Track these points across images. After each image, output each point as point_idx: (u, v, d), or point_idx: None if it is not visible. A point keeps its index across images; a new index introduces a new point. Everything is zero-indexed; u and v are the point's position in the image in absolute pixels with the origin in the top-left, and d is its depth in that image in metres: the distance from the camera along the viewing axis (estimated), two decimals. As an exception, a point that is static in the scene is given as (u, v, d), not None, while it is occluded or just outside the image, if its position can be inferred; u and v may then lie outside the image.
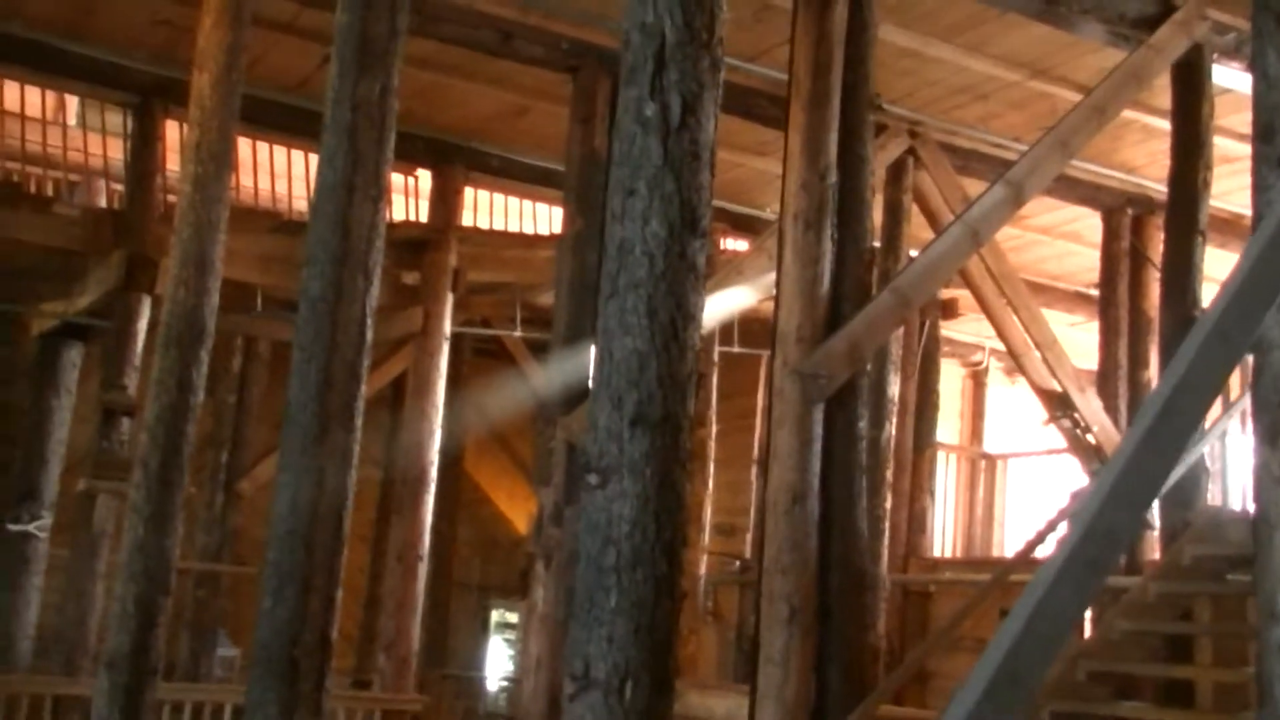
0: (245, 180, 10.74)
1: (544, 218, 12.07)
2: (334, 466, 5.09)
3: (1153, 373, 9.79)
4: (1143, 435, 1.94)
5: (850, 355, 6.18)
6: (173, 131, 9.88)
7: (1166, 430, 1.95)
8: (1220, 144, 7.75)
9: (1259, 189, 4.23)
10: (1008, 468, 12.79)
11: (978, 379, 14.44)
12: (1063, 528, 6.87)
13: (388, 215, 5.50)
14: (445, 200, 10.38)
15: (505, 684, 15.19)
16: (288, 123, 9.71)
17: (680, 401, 3.22)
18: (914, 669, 6.58)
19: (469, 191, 10.96)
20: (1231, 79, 7.60)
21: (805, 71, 6.32)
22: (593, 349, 7.80)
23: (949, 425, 12.94)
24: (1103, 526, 1.86)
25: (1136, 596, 6.56)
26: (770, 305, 9.42)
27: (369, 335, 5.22)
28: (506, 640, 15.97)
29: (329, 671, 5.00)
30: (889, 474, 8.89)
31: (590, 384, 7.76)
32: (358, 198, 5.19)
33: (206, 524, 12.16)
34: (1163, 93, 7.67)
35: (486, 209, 11.90)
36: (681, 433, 3.21)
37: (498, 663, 15.86)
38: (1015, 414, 14.33)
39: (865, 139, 6.43)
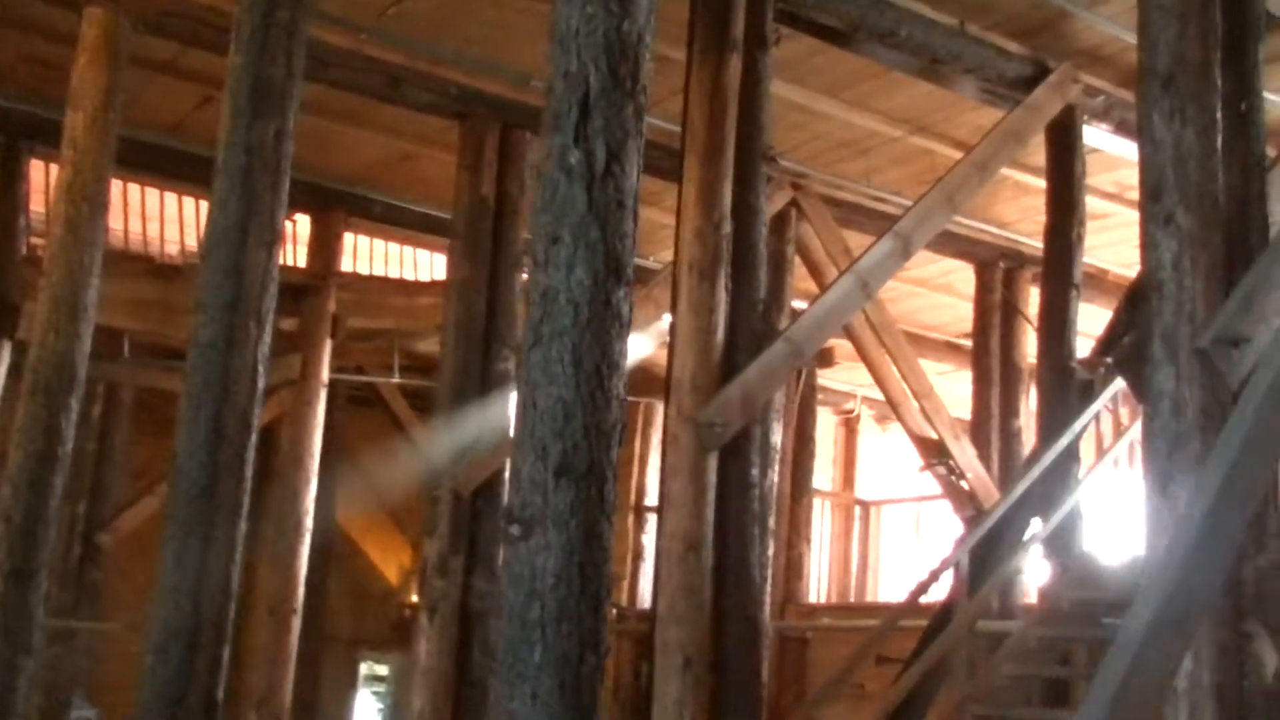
0: (115, 223, 10.37)
1: (425, 264, 11.92)
2: (223, 519, 4.91)
3: (1023, 421, 10.08)
4: (1215, 496, 1.93)
5: (745, 404, 6.21)
6: (37, 172, 9.52)
7: (1237, 487, 1.95)
8: (1088, 202, 8.05)
9: (1148, 246, 4.38)
10: (881, 514, 12.99)
11: (850, 426, 14.68)
12: (947, 576, 6.99)
13: (273, 260, 5.36)
14: (325, 245, 10.20)
15: (375, 740, 14.81)
16: (161, 165, 9.45)
17: (606, 451, 3.18)
18: (809, 716, 6.59)
19: (349, 237, 10.78)
20: (1099, 140, 7.93)
21: (700, 123, 6.38)
22: (489, 399, 7.71)
23: (823, 472, 13.10)
24: (1184, 589, 1.85)
25: (1019, 641, 6.69)
26: (650, 354, 9.54)
27: (261, 384, 5.06)
28: (375, 693, 15.58)
29: (215, 733, 4.79)
30: (771, 520, 8.96)
31: (478, 432, 7.65)
32: (251, 242, 5.05)
33: (62, 578, 11.61)
34: (1036, 152, 7.95)
35: (366, 255, 11.70)
36: (607, 483, 3.17)
37: (367, 717, 15.45)
38: (887, 461, 14.61)
39: (759, 190, 6.51)
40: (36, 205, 9.46)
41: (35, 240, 9.66)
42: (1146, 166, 4.42)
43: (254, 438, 5.07)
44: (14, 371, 8.48)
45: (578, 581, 3.11)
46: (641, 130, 3.43)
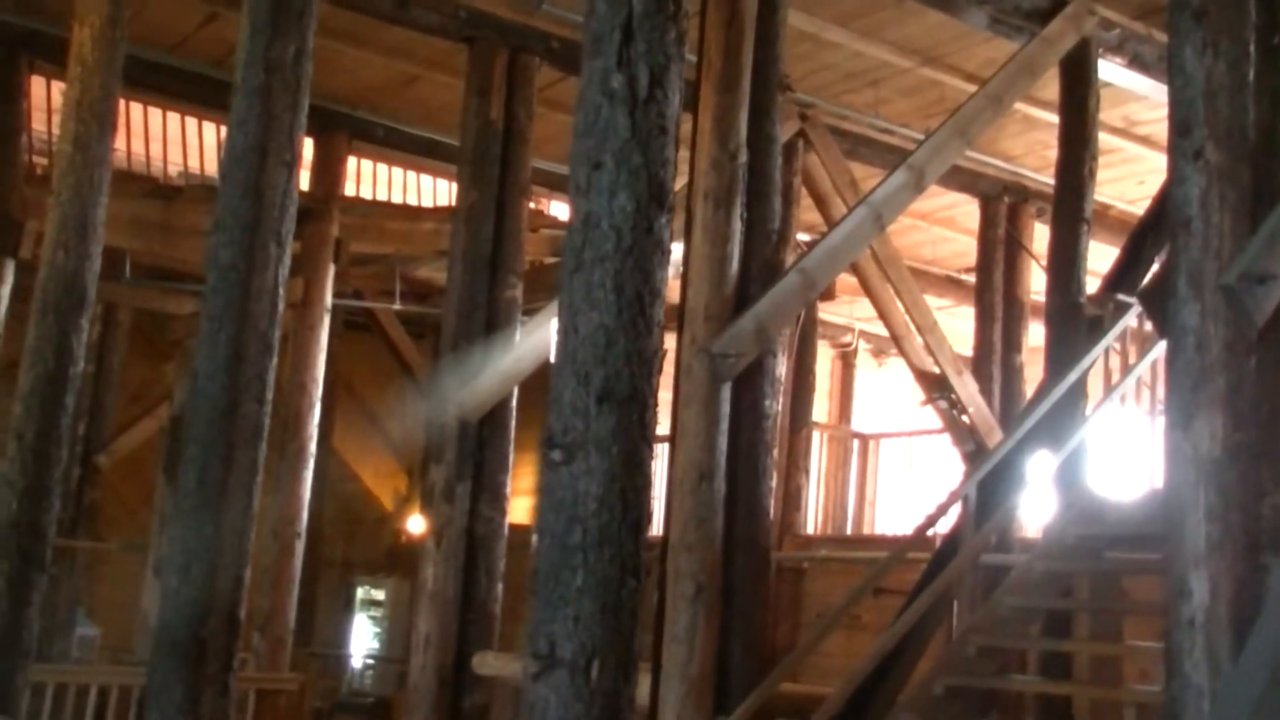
0: (116, 143, 10.28)
1: (428, 190, 11.85)
2: (243, 441, 4.92)
3: (1024, 357, 10.12)
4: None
5: (758, 335, 6.22)
6: (37, 88, 9.39)
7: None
8: (1101, 138, 8.01)
9: (1175, 181, 4.37)
10: (879, 447, 13.07)
11: (846, 361, 14.72)
12: (954, 510, 7.05)
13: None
14: (328, 169, 10.12)
15: (370, 662, 14.95)
16: (163, 84, 9.33)
17: (646, 378, 3.19)
18: (812, 646, 6.66)
19: (352, 161, 10.69)
20: (1111, 74, 7.88)
21: (716, 52, 6.32)
22: (496, 326, 7.67)
23: (819, 405, 13.16)
24: None
25: (1023, 574, 6.76)
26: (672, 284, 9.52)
27: (281, 305, 5.05)
28: (371, 618, 15.71)
29: (236, 651, 4.83)
30: (775, 452, 9.02)
31: (486, 361, 7.63)
32: (270, 162, 5.02)
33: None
34: (1045, 85, 7.90)
35: (370, 180, 11.62)
36: (648, 410, 3.18)
37: (361, 641, 15.60)
38: (882, 395, 14.67)
39: (774, 119, 6.48)
40: (37, 124, 9.36)
41: (36, 159, 9.58)
42: (1176, 100, 4.39)
43: (274, 360, 5.06)
44: (18, 292, 8.43)
45: (619, 506, 3.13)
46: (683, 55, 3.40)
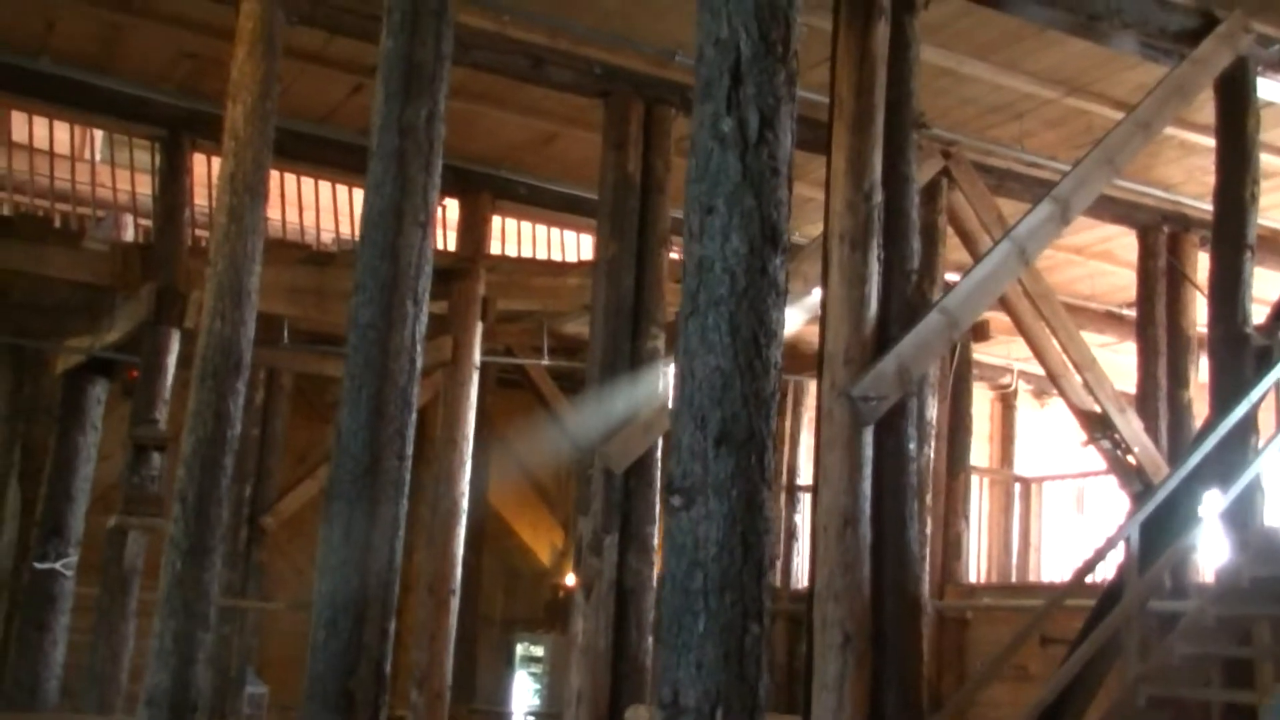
0: (272, 212, 10.77)
1: (570, 245, 12.07)
2: (386, 496, 5.05)
3: (1193, 392, 9.74)
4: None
5: (899, 377, 6.15)
6: (199, 165, 9.91)
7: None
8: (1262, 159, 7.72)
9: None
10: (1041, 491, 12.72)
11: (1006, 402, 14.40)
12: (1115, 553, 6.81)
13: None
14: (473, 229, 10.40)
15: (531, 719, 15.08)
16: (314, 153, 9.76)
17: (764, 419, 3.19)
18: (971, 696, 6.49)
19: (496, 220, 10.98)
20: (1273, 92, 7.58)
21: (848, 91, 6.32)
22: (639, 377, 7.77)
23: (979, 449, 12.89)
24: None
25: (1195, 620, 6.48)
26: (799, 331, 9.48)
27: (419, 362, 5.19)
28: (532, 674, 15.85)
29: (384, 704, 4.95)
30: (928, 498, 8.87)
31: (629, 411, 7.71)
32: (406, 223, 5.18)
33: (230, 559, 12.09)
34: (1201, 108, 7.66)
35: (514, 237, 11.91)
36: (766, 452, 3.18)
37: (522, 697, 15.75)
38: (1044, 437, 14.28)
39: (909, 158, 6.43)
40: (199, 199, 9.86)
41: (200, 232, 10.10)
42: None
43: (414, 416, 5.20)
44: (183, 360, 8.85)
45: (740, 550, 3.13)
46: (794, 96, 3.42)
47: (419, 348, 5.23)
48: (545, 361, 11.48)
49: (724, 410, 3.18)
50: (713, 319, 3.23)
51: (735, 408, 3.18)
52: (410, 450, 5.15)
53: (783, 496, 12.82)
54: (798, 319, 8.06)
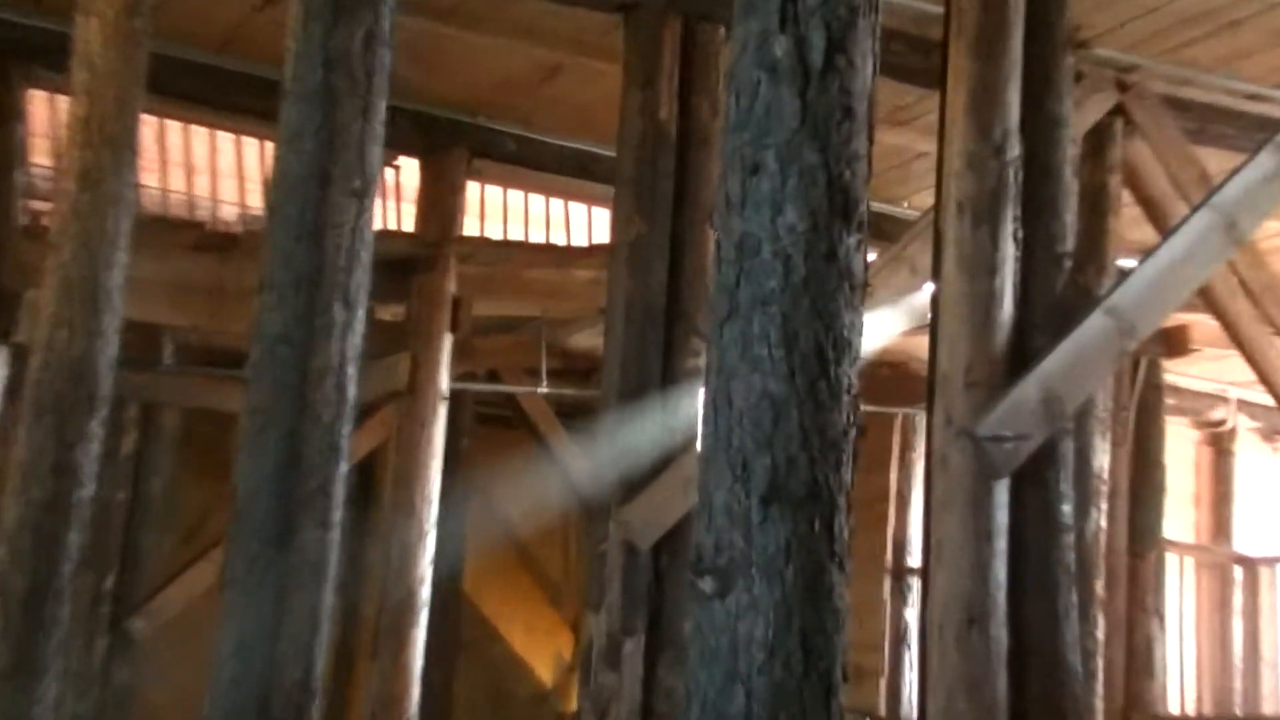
0: (146, 177, 10.89)
1: (579, 223, 12.15)
2: (304, 583, 5.14)
3: None
4: None
5: (1048, 408, 6.20)
6: (37, 107, 9.98)
7: None
8: None
9: None
10: (1277, 577, 12.67)
11: (1219, 445, 14.34)
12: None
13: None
14: (440, 201, 10.48)
15: None
16: (208, 93, 9.82)
17: (834, 467, 3.23)
18: None
19: (473, 188, 11.05)
20: None
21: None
22: (674, 408, 7.83)
23: (1178, 514, 12.84)
24: None
25: None
26: (914, 340, 9.49)
27: (352, 391, 5.27)
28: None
29: None
30: (1099, 586, 8.86)
31: (661, 458, 7.78)
32: (335, 193, 5.24)
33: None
34: None
35: (497, 212, 11.99)
36: (838, 513, 3.22)
37: None
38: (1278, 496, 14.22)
39: (1062, 93, 6.49)
40: (38, 155, 9.93)
41: (37, 205, 10.17)
42: None
43: (344, 467, 5.28)
44: (13, 386, 8.89)
45: (799, 655, 3.16)
46: (876, 6, 3.47)
47: (352, 370, 5.30)
48: (543, 389, 11.54)
49: (775, 455, 3.21)
50: (759, 324, 3.26)
51: (791, 449, 3.21)
52: (337, 516, 5.22)
53: (886, 584, 12.81)
54: (897, 325, 8.08)
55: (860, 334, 3.38)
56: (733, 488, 3.24)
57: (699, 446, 3.41)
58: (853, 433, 3.32)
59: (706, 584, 3.24)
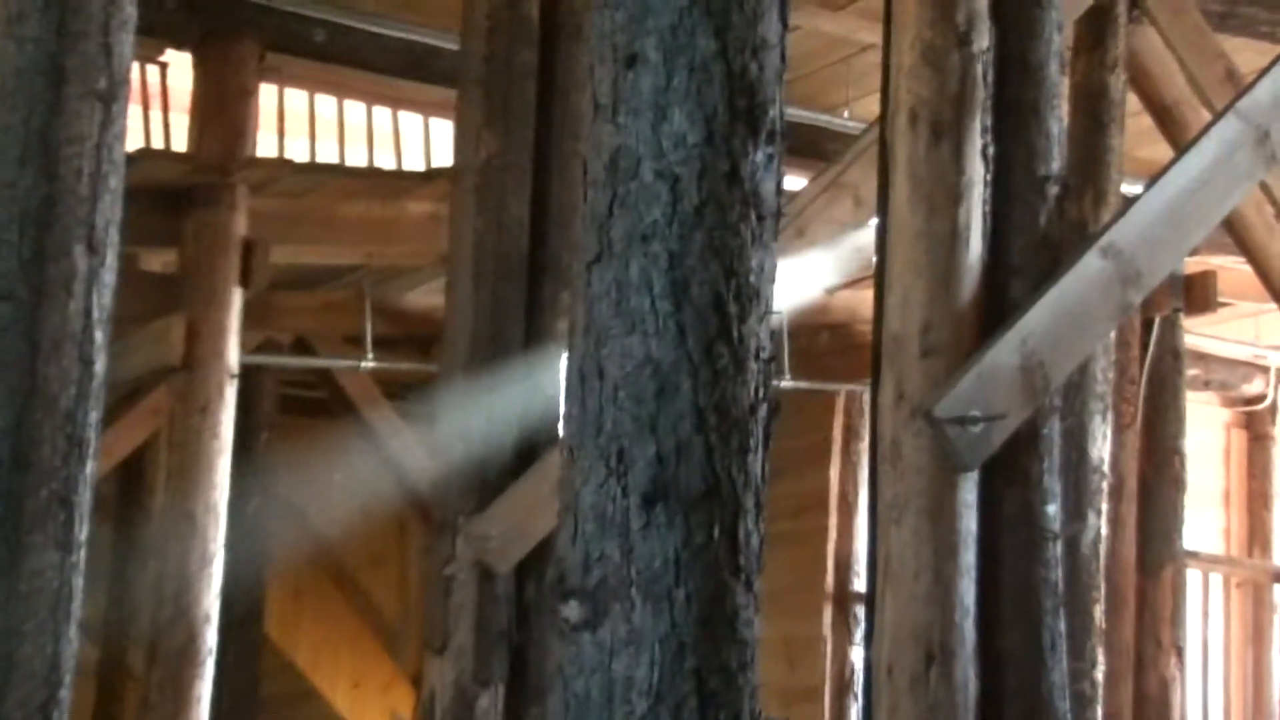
0: None
1: (413, 139, 12.10)
2: (36, 626, 5.09)
3: None
4: None
5: (1028, 381, 6.23)
6: None
7: None
8: None
9: None
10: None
11: (1256, 429, 14.52)
12: None
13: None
14: (222, 110, 10.40)
15: None
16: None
17: (740, 455, 3.23)
18: None
19: (268, 92, 10.96)
20: None
21: None
22: (531, 383, 7.85)
23: (1205, 518, 13.00)
24: None
25: None
26: (860, 296, 9.52)
27: (99, 367, 5.22)
28: None
29: None
30: (1098, 612, 8.95)
31: (521, 448, 7.80)
32: (71, 95, 5.19)
33: None
34: None
35: (302, 124, 11.92)
36: (744, 516, 3.22)
37: None
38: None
39: (1042, -39, 6.53)
40: None
41: None
42: None
43: (91, 468, 5.23)
44: None
45: (694, 703, 3.17)
46: None
47: (101, 337, 5.25)
48: (368, 362, 11.50)
49: (660, 441, 3.22)
50: (638, 269, 3.27)
51: (682, 434, 3.22)
52: (83, 534, 5.18)
53: (827, 613, 12.89)
54: (835, 275, 8.12)
55: (773, 280, 3.39)
56: (606, 484, 3.24)
57: (562, 432, 3.41)
58: (764, 410, 3.33)
59: (572, 611, 3.25)
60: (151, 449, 10.91)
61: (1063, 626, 6.40)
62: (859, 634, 12.92)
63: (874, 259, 6.67)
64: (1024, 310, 6.27)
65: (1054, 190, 6.57)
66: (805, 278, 8.08)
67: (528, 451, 7.81)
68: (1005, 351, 6.21)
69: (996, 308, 6.30)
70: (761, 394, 3.34)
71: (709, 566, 3.22)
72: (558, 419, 7.91)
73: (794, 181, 11.10)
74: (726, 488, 3.25)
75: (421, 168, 11.78)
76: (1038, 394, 6.25)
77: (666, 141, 3.32)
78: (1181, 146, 8.66)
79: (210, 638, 9.97)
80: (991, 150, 6.36)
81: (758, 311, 3.33)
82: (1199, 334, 12.49)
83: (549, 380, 7.92)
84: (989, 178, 6.34)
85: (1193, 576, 12.10)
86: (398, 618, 14.83)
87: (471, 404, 7.95)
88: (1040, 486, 6.30)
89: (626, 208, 3.32)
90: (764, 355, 3.35)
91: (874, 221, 6.83)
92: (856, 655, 12.93)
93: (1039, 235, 6.44)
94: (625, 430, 3.25)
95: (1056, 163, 6.59)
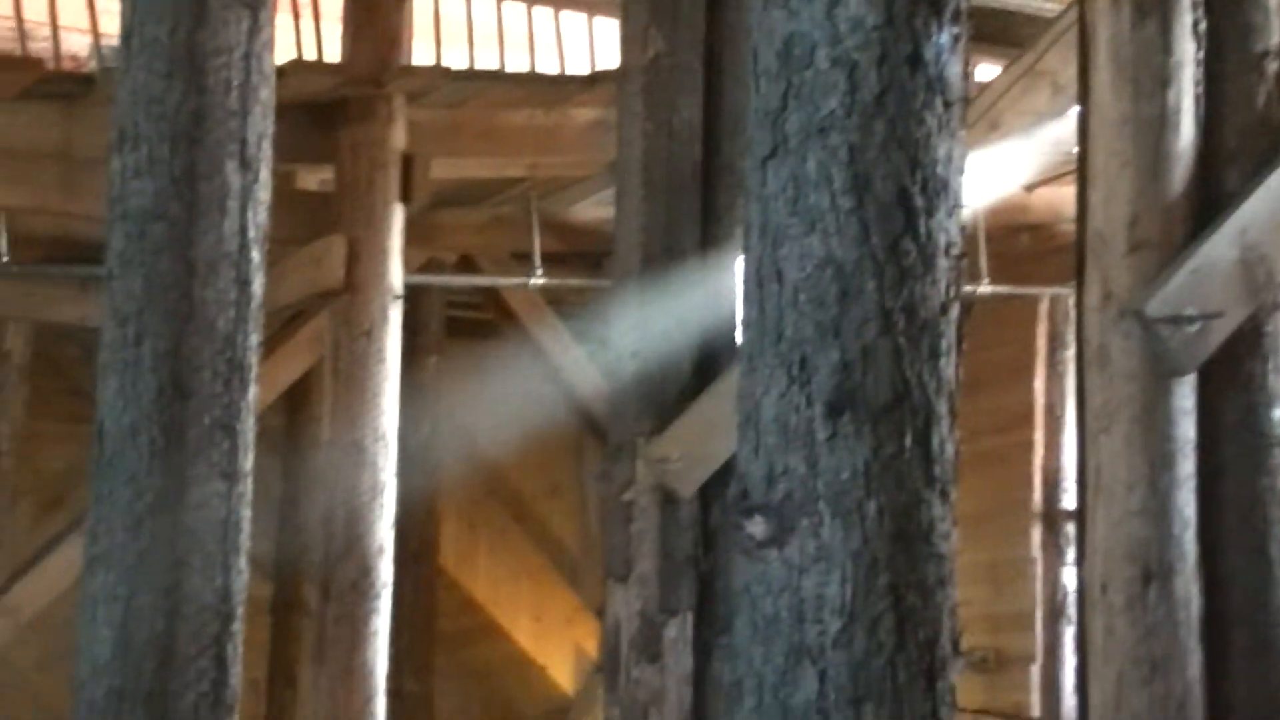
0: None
1: (576, 41, 12.10)
2: (203, 561, 5.17)
3: None
4: None
5: (1248, 275, 6.16)
6: None
7: None
8: None
9: None
10: None
11: None
12: None
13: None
14: (376, 17, 10.44)
15: None
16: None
17: (930, 360, 3.23)
18: None
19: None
20: None
21: None
22: (709, 294, 7.86)
23: None
24: None
25: None
26: (1063, 193, 9.42)
27: (259, 285, 5.29)
28: None
29: None
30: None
31: (701, 364, 7.82)
32: (215, 3, 5.25)
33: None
34: None
35: (459, 31, 11.94)
36: (936, 423, 3.22)
37: None
38: None
39: None
40: None
41: None
42: None
43: (252, 394, 5.31)
44: None
45: (889, 622, 3.18)
46: None
47: (257, 257, 5.32)
48: (537, 279, 11.54)
49: (844, 347, 3.22)
50: (815, 164, 3.27)
51: (867, 339, 3.23)
52: (247, 464, 5.26)
53: (1035, 534, 12.82)
54: (1034, 169, 8.05)
55: (961, 170, 3.37)
56: (787, 394, 3.25)
57: (739, 339, 3.42)
58: (955, 311, 3.32)
59: (757, 527, 3.26)
60: (316, 376, 10.99)
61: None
62: (1071, 555, 12.84)
63: (1075, 151, 6.60)
64: (1242, 199, 6.19)
65: (1273, 67, 6.48)
66: (1000, 174, 8.02)
67: (707, 368, 7.80)
68: (1222, 244, 6.14)
69: (1210, 198, 6.23)
70: (952, 293, 3.33)
71: (900, 478, 3.23)
72: (736, 334, 7.95)
73: (986, 71, 11.07)
74: (917, 394, 3.25)
75: (586, 71, 11.78)
76: (1259, 290, 6.17)
77: (843, 25, 3.32)
78: None
79: (384, 571, 10.07)
80: (1202, 26, 6.28)
81: (946, 205, 3.32)
82: None
83: (727, 292, 7.91)
84: (1200, 57, 6.26)
85: None
86: (578, 548, 14.89)
87: (646, 320, 7.95)
88: (1264, 390, 6.22)
89: (801, 99, 3.32)
90: (954, 251, 3.34)
91: (1074, 110, 6.77)
92: (1069, 578, 12.84)
93: (1257, 117, 6.35)
94: (807, 336, 3.26)
95: (1275, 37, 6.50)
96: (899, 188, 3.28)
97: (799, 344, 3.26)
